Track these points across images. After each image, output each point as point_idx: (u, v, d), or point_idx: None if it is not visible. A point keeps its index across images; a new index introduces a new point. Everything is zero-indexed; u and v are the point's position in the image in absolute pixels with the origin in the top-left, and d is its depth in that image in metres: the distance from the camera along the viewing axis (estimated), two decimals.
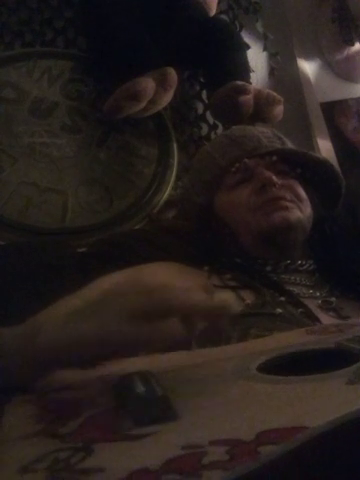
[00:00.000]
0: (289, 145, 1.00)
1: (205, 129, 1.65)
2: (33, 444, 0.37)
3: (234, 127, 1.09)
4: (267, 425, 0.31)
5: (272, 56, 1.78)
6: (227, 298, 0.47)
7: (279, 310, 0.77)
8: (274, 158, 0.95)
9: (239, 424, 0.34)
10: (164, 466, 0.29)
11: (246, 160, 0.94)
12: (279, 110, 1.47)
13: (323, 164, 0.98)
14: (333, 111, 1.81)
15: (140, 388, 0.42)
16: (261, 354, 0.49)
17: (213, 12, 1.68)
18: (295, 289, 0.87)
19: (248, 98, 1.40)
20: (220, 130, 1.62)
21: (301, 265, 0.92)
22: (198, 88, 1.69)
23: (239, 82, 1.42)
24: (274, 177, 0.91)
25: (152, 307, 0.44)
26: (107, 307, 0.46)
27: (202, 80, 1.67)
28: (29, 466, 0.33)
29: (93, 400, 0.44)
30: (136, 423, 0.37)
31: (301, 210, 0.92)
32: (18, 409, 0.45)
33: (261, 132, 0.99)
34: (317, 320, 0.79)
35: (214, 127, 1.64)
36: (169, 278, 0.47)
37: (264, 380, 0.43)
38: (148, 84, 1.36)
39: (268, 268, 0.90)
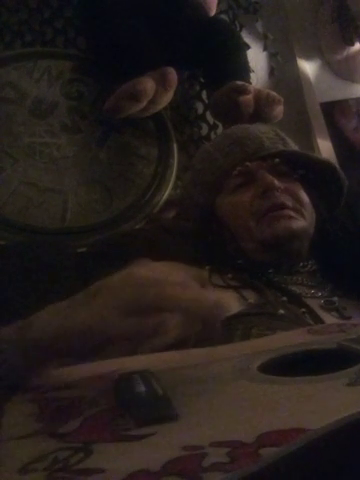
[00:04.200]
0: (291, 145, 0.99)
1: (205, 129, 1.64)
2: (33, 444, 0.37)
3: (235, 126, 1.07)
4: (268, 427, 0.31)
5: (272, 56, 1.78)
6: (223, 296, 0.47)
7: (281, 311, 0.77)
8: (276, 160, 0.93)
9: (240, 425, 0.34)
10: (164, 467, 0.28)
11: (248, 163, 0.93)
12: (279, 110, 1.46)
13: (326, 165, 0.98)
14: (333, 111, 1.81)
15: (140, 388, 0.41)
16: (262, 354, 0.49)
17: (213, 12, 1.68)
18: (297, 289, 0.86)
19: (248, 98, 1.40)
20: (220, 130, 1.61)
21: (303, 266, 0.91)
22: (198, 88, 1.69)
23: (239, 82, 1.42)
24: (276, 181, 0.90)
25: (145, 301, 0.45)
26: (100, 299, 0.46)
27: (202, 80, 1.67)
28: (28, 466, 0.33)
29: (93, 399, 0.44)
30: (136, 423, 0.36)
31: (304, 217, 0.91)
32: (18, 408, 0.44)
33: (263, 132, 0.98)
34: (320, 320, 0.78)
35: (214, 127, 1.63)
36: (164, 273, 0.47)
37: (265, 380, 0.42)
38: (148, 84, 1.36)
39: (270, 270, 0.89)
